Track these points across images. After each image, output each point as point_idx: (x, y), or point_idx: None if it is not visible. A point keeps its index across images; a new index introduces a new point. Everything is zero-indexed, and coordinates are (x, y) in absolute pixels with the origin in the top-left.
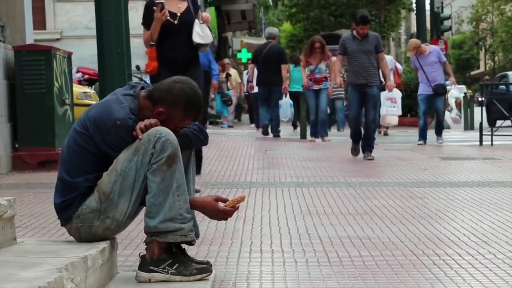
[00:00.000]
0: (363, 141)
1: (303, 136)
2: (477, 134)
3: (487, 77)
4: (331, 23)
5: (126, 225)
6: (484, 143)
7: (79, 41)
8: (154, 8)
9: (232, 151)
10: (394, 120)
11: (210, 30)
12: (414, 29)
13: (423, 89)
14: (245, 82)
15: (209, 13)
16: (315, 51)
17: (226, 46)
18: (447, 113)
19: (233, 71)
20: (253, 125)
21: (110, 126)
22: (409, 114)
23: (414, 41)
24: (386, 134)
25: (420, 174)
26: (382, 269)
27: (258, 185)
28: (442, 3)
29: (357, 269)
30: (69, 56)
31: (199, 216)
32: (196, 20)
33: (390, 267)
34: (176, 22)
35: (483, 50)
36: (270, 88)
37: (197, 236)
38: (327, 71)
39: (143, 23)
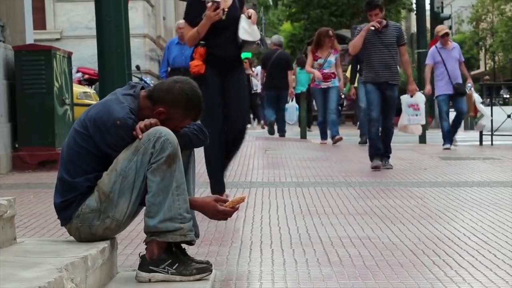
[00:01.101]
0: (384, 148)
1: (303, 136)
2: (477, 134)
3: (487, 77)
4: (332, 23)
5: (126, 225)
6: (484, 143)
7: (79, 41)
8: (208, 4)
9: None
10: (418, 130)
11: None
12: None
13: (444, 89)
14: None
15: None
16: (324, 42)
17: None
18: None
19: None
20: (250, 125)
21: (110, 126)
22: None
23: (443, 26)
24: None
25: (420, 174)
26: (382, 269)
27: (258, 185)
28: (442, 3)
29: (357, 269)
30: (69, 56)
31: (199, 216)
32: (243, 15)
33: (390, 267)
34: (223, 17)
35: (483, 50)
36: (278, 92)
37: (197, 236)
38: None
39: (185, 18)
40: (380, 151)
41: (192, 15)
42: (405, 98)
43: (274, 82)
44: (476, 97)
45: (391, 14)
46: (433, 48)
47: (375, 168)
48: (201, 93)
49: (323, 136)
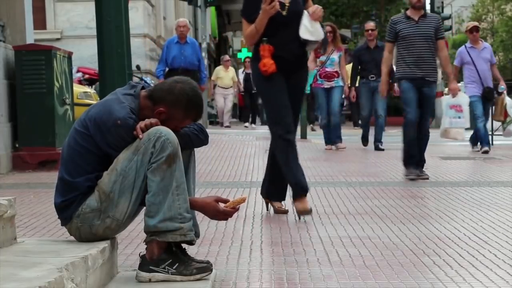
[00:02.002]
0: (418, 155)
1: (303, 136)
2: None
3: None
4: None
5: (126, 225)
6: None
7: (80, 41)
8: None
9: (232, 151)
10: (461, 135)
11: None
12: None
13: (476, 90)
14: (241, 80)
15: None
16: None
17: (226, 46)
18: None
19: (231, 70)
20: (253, 125)
21: (110, 125)
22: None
23: (474, 22)
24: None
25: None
26: (382, 269)
27: (258, 185)
28: (442, 3)
29: (357, 268)
30: (69, 56)
31: (199, 216)
32: (305, 12)
33: (390, 267)
34: (284, 12)
35: None
36: None
37: (197, 235)
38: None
39: (243, 14)
40: (416, 158)
41: (249, 11)
42: (446, 99)
43: None
44: (508, 100)
45: (391, 14)
46: (462, 47)
47: (411, 178)
48: (201, 93)
49: (328, 141)
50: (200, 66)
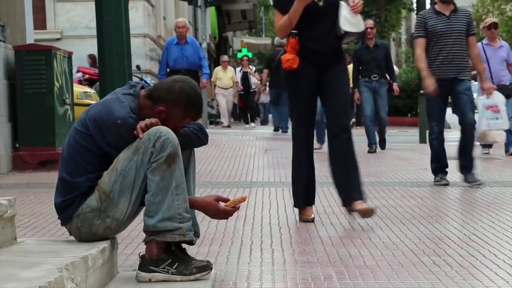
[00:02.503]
0: (463, 159)
1: None
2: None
3: None
4: None
5: (126, 225)
6: None
7: (80, 41)
8: None
9: (232, 151)
10: (501, 137)
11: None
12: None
13: None
14: (239, 80)
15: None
16: None
17: (226, 46)
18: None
19: (230, 70)
20: (252, 124)
21: (110, 125)
22: (409, 114)
23: (493, 19)
24: (487, 152)
25: (420, 174)
26: (382, 269)
27: (258, 185)
28: None
29: (357, 268)
30: (69, 56)
31: (199, 215)
32: (343, 2)
33: (390, 267)
34: (321, 3)
35: None
36: (280, 90)
37: (197, 235)
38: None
39: (276, 5)
40: (445, 166)
41: (283, 2)
42: (481, 100)
43: (276, 82)
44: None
45: (391, 13)
46: (478, 44)
47: (443, 183)
48: (201, 92)
49: (320, 138)
50: (201, 64)
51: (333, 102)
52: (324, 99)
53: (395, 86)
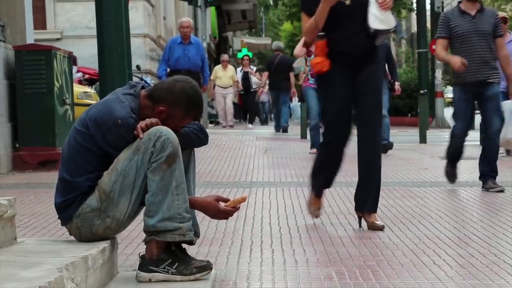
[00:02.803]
0: (484, 165)
1: (303, 136)
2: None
3: None
4: None
5: (126, 225)
6: None
7: (80, 41)
8: None
9: (232, 151)
10: None
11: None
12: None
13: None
14: (239, 79)
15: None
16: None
17: (226, 46)
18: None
19: (230, 68)
20: (250, 125)
21: (111, 125)
22: (409, 114)
23: (502, 13)
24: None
25: (421, 174)
26: (382, 269)
27: (258, 185)
28: (442, 3)
29: (357, 268)
30: (69, 56)
31: (199, 215)
32: (371, 0)
33: (390, 267)
34: (347, 2)
35: None
36: (279, 92)
37: (197, 235)
38: None
39: (302, 8)
40: (456, 159)
41: (309, 3)
42: (507, 104)
43: (275, 84)
44: None
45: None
46: None
47: (448, 176)
48: (201, 92)
49: (315, 145)
50: (203, 67)
51: (365, 107)
52: (357, 101)
53: (397, 85)
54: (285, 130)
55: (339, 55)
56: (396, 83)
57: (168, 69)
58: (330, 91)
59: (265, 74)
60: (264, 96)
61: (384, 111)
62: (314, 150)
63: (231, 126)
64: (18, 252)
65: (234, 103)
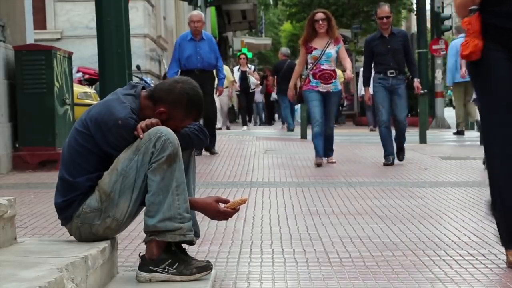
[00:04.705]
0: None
1: (303, 136)
2: (477, 134)
3: None
4: None
5: (126, 225)
6: None
7: (80, 41)
8: None
9: (232, 151)
10: None
11: None
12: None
13: None
14: (237, 79)
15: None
16: (319, 28)
17: (226, 46)
18: None
19: (225, 68)
20: (245, 127)
21: (111, 125)
22: (409, 114)
23: None
24: None
25: (420, 174)
26: (382, 269)
27: (258, 185)
28: (442, 3)
29: (357, 269)
30: (69, 56)
31: (199, 216)
32: None
33: (390, 267)
34: None
35: None
36: (284, 94)
37: (198, 235)
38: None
39: None
40: None
41: None
42: None
43: (285, 88)
44: None
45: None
46: None
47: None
48: (202, 93)
49: (319, 152)
50: (218, 66)
51: None
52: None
53: (417, 83)
54: (290, 129)
55: (503, 34)
56: (415, 80)
57: (179, 70)
58: (487, 79)
59: (271, 79)
60: (258, 96)
61: (402, 116)
62: (320, 160)
63: (227, 128)
64: (18, 252)
65: (232, 107)
